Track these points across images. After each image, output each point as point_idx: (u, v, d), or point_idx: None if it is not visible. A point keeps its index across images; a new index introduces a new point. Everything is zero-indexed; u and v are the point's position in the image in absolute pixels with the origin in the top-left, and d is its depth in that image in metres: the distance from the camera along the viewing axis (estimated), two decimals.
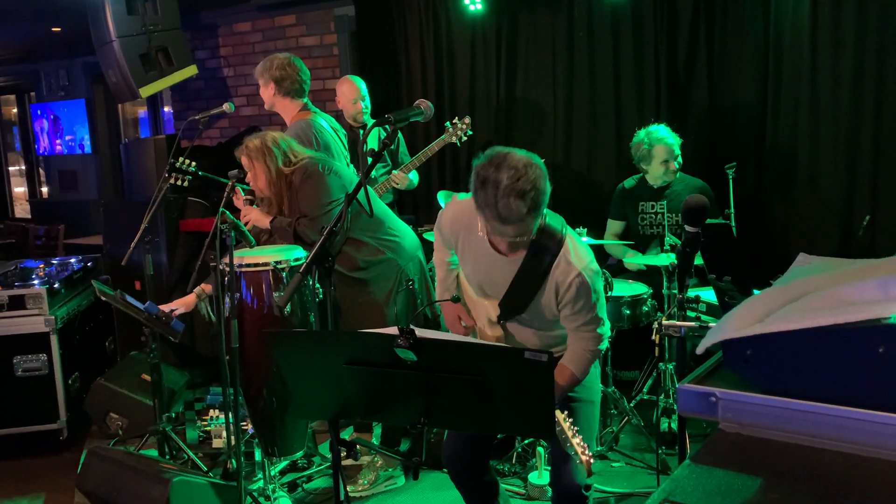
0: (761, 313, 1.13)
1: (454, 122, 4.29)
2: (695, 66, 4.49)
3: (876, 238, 3.92)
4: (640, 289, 3.78)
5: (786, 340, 1.06)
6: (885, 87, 3.93)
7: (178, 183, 4.04)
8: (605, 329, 2.37)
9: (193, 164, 4.01)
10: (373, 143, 4.32)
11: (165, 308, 3.39)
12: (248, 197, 3.43)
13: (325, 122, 3.90)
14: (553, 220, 2.34)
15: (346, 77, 4.53)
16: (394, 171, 4.37)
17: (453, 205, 2.53)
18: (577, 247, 2.32)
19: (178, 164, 3.97)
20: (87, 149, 8.34)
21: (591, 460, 2.12)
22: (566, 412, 2.19)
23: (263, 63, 3.92)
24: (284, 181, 3.31)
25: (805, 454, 1.01)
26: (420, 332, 1.73)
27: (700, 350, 1.17)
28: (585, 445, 2.14)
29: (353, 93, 4.40)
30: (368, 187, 3.49)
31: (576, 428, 2.16)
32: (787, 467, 1.00)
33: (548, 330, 2.43)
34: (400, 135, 4.60)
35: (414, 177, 4.48)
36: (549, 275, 2.27)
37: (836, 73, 4.05)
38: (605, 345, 2.38)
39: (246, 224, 3.36)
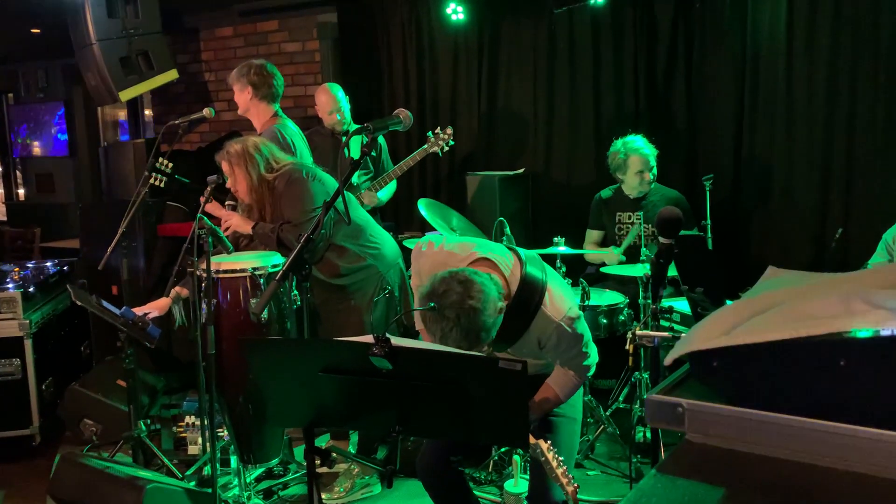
0: (728, 325, 1.15)
1: (436, 132, 4.31)
2: (673, 78, 4.55)
3: (848, 251, 3.99)
4: (616, 298, 3.81)
5: (751, 352, 1.08)
6: (858, 103, 4.01)
7: (157, 183, 4.03)
8: (592, 360, 2.38)
9: (171, 165, 4.00)
10: (354, 150, 4.33)
11: (139, 311, 3.37)
12: (230, 202, 3.41)
13: (294, 127, 3.95)
14: (533, 268, 2.27)
15: (323, 86, 4.54)
16: (362, 190, 4.38)
17: (431, 255, 2.43)
18: (555, 296, 2.27)
19: (157, 164, 3.97)
20: (65, 151, 8.26)
21: (576, 490, 2.12)
22: (549, 442, 2.18)
23: (239, 69, 3.97)
24: (266, 187, 3.31)
25: (769, 465, 1.03)
26: (395, 341, 1.74)
27: (668, 361, 1.19)
28: (570, 476, 2.13)
29: (330, 104, 4.43)
30: (349, 195, 3.51)
31: (560, 458, 2.16)
32: (750, 478, 1.01)
33: (534, 358, 2.43)
34: (384, 143, 4.62)
35: (383, 195, 4.48)
36: (530, 327, 2.25)
37: (811, 88, 4.13)
38: (592, 371, 2.40)
39: (227, 230, 3.35)
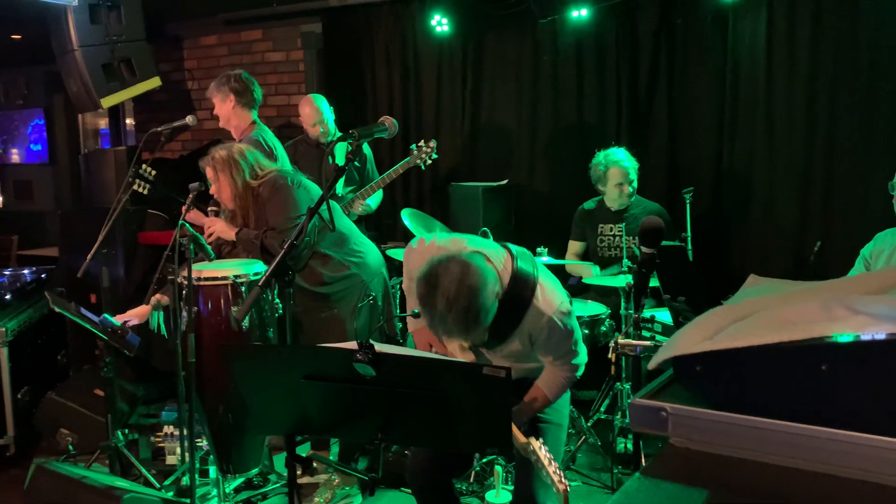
0: (710, 331, 1.16)
1: (419, 144, 4.32)
2: (655, 91, 4.60)
3: (827, 264, 4.03)
4: (598, 309, 3.83)
5: (733, 357, 1.09)
6: (837, 118, 4.07)
7: (140, 190, 4.00)
8: (581, 358, 2.40)
9: (154, 173, 3.98)
10: (339, 158, 4.34)
11: (119, 319, 3.33)
12: (213, 209, 3.40)
13: (272, 134, 3.99)
14: (524, 262, 2.30)
15: (307, 98, 4.55)
16: (349, 197, 4.38)
17: (423, 251, 2.45)
18: (547, 291, 2.30)
19: (141, 171, 3.95)
20: (45, 159, 8.17)
21: (568, 488, 2.11)
22: (541, 440, 2.18)
23: (217, 81, 4.04)
24: (251, 194, 3.30)
25: (751, 468, 1.04)
26: (379, 347, 1.74)
27: (651, 366, 1.19)
28: (561, 473, 2.12)
29: (314, 116, 4.45)
30: (334, 203, 3.51)
31: (551, 456, 2.15)
32: (733, 481, 1.02)
33: (522, 361, 2.44)
34: (369, 152, 4.63)
35: (373, 202, 4.49)
36: (522, 321, 2.27)
37: (791, 103, 4.19)
38: (581, 371, 2.41)
39: (210, 236, 3.34)
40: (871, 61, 3.95)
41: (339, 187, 4.39)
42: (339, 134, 4.45)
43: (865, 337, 1.01)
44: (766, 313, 1.17)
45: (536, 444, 2.13)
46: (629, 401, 1.13)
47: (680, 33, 4.48)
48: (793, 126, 4.19)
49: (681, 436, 1.10)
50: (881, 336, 1.00)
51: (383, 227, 5.45)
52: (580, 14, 4.53)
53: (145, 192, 4.02)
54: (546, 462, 2.10)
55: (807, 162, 4.17)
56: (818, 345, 1.04)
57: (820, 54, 4.09)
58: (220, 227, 3.36)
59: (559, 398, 2.43)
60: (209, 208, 3.42)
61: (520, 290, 2.23)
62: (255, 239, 3.24)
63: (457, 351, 2.48)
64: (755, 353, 1.08)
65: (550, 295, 2.29)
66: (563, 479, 2.10)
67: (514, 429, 2.09)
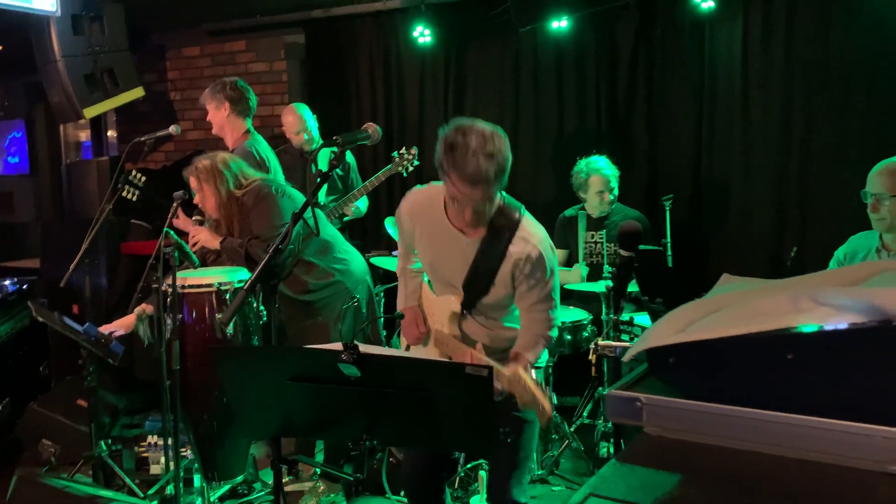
0: (683, 324, 1.20)
1: (401, 152, 4.37)
2: (634, 101, 4.68)
3: (804, 269, 4.10)
4: (580, 315, 3.88)
5: (705, 348, 1.13)
6: (812, 125, 4.17)
7: (129, 196, 4.01)
8: (558, 314, 2.42)
9: (143, 178, 3.99)
10: (322, 164, 4.38)
11: (105, 330, 3.33)
12: (197, 217, 3.41)
13: (265, 143, 4.00)
14: (511, 201, 2.43)
15: (290, 107, 4.59)
16: (346, 199, 4.42)
17: (412, 194, 2.56)
18: (533, 224, 2.40)
19: (130, 177, 3.95)
20: (26, 170, 8.13)
21: (552, 412, 2.11)
22: (533, 374, 2.17)
23: (212, 87, 3.98)
24: (235, 203, 3.32)
25: (722, 454, 1.08)
26: (364, 348, 1.77)
27: (626, 358, 1.24)
28: (550, 397, 2.10)
29: (297, 124, 4.49)
30: (318, 211, 3.53)
31: (537, 378, 2.13)
32: (705, 465, 1.06)
33: (500, 329, 2.47)
34: (353, 161, 4.67)
35: (362, 204, 4.53)
36: (507, 251, 2.33)
37: (766, 113, 4.28)
38: (555, 332, 2.42)
39: (195, 245, 3.35)
40: (843, 72, 4.05)
41: (322, 196, 4.42)
42: (322, 142, 4.48)
43: (829, 327, 1.06)
44: (736, 306, 1.21)
45: (524, 373, 2.11)
46: (606, 391, 1.17)
47: (658, 43, 4.57)
48: (768, 134, 4.27)
49: (655, 424, 1.14)
50: (843, 326, 1.05)
51: (368, 236, 5.48)
52: (560, 25, 4.60)
53: (134, 198, 4.02)
54: (532, 384, 2.08)
55: (782, 169, 4.26)
56: (784, 335, 1.08)
57: (794, 65, 4.18)
58: (204, 237, 3.37)
59: (538, 359, 2.42)
60: (193, 217, 3.43)
61: (505, 219, 2.35)
62: (239, 248, 3.26)
63: (444, 325, 2.47)
64: (725, 344, 1.12)
65: (536, 229, 2.39)
66: (550, 399, 2.09)
67: (496, 366, 2.10)
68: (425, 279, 2.65)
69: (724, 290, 1.46)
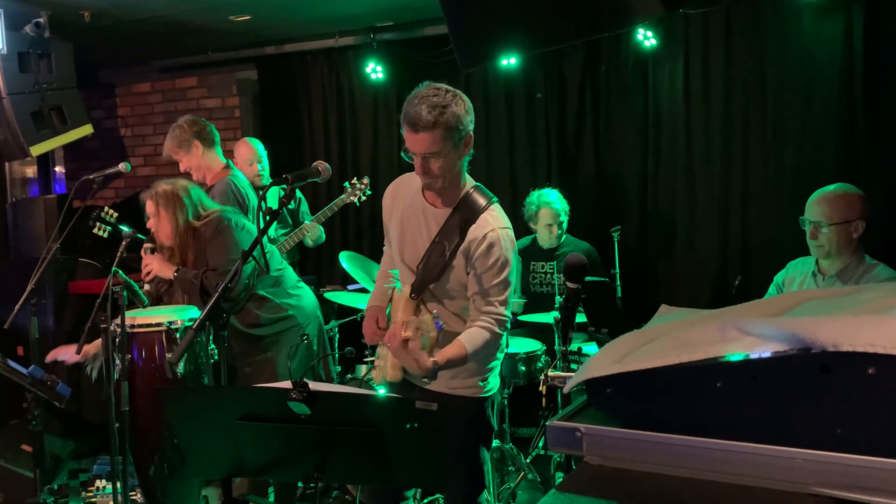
0: (620, 354, 1.25)
1: (353, 182, 4.41)
2: (582, 135, 4.81)
3: (748, 297, 4.21)
4: (534, 345, 3.92)
5: (640, 378, 1.18)
6: (751, 159, 4.33)
7: (100, 233, 3.94)
8: (507, 313, 2.38)
9: (116, 214, 3.93)
10: (272, 201, 4.37)
11: (51, 357, 3.25)
12: (150, 245, 3.34)
13: (244, 177, 3.97)
14: (486, 190, 2.46)
15: (243, 139, 4.61)
16: (307, 221, 4.42)
17: (405, 176, 2.60)
18: (501, 214, 2.42)
19: (102, 214, 3.88)
20: None
21: (432, 366, 2.19)
22: (436, 311, 2.21)
23: (174, 134, 3.91)
24: (191, 234, 3.26)
25: (657, 481, 1.12)
26: (314, 385, 1.77)
27: (567, 389, 1.27)
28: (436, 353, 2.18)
29: (250, 154, 4.48)
30: (271, 246, 3.53)
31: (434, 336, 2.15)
32: (640, 491, 1.10)
33: (453, 321, 2.42)
34: (301, 196, 4.67)
35: (322, 231, 4.54)
36: (468, 231, 2.34)
37: (708, 145, 4.44)
38: (502, 331, 2.38)
39: (148, 274, 3.29)
40: (778, 107, 4.23)
41: (272, 230, 4.42)
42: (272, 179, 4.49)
43: (754, 356, 1.11)
44: (669, 336, 1.26)
45: (429, 315, 2.16)
46: (547, 423, 1.20)
47: (604, 79, 4.71)
48: (710, 166, 4.43)
49: (594, 454, 1.17)
50: (767, 354, 1.10)
51: (322, 270, 5.47)
52: (509, 62, 4.72)
53: (106, 234, 3.95)
54: (428, 330, 2.11)
55: (724, 201, 4.41)
56: (713, 364, 1.13)
57: (733, 100, 4.36)
58: (157, 266, 3.29)
59: (477, 356, 2.36)
60: (145, 245, 3.36)
61: (474, 198, 2.39)
62: (194, 279, 3.20)
63: (399, 307, 2.44)
64: (659, 374, 1.16)
65: (502, 218, 2.41)
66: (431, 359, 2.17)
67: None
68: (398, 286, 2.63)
69: (661, 320, 1.52)
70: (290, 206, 4.51)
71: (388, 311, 2.58)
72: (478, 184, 2.47)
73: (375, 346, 2.67)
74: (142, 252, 3.37)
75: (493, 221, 2.36)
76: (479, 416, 2.51)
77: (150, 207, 3.28)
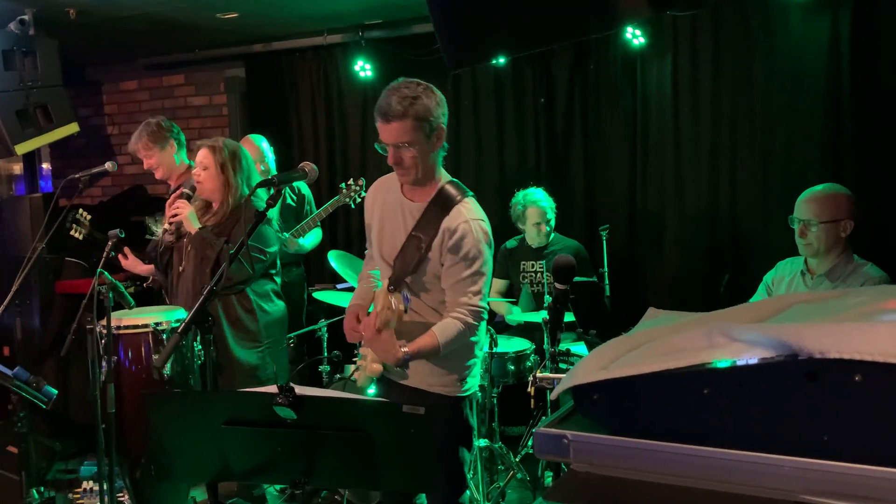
0: (607, 360, 1.24)
1: (349, 183, 4.38)
2: (571, 134, 4.80)
3: (735, 296, 4.23)
4: (523, 345, 3.92)
5: (626, 385, 1.17)
6: (738, 158, 4.33)
7: (77, 235, 3.91)
8: (483, 304, 2.41)
9: (90, 217, 3.91)
10: (259, 203, 4.34)
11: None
12: (186, 191, 3.28)
13: None
14: (462, 186, 2.51)
15: (247, 137, 4.55)
16: (286, 235, 4.37)
17: (378, 180, 2.67)
18: (476, 207, 2.46)
19: (77, 215, 3.86)
20: None
21: (403, 356, 2.28)
22: (405, 292, 2.29)
23: (151, 134, 3.91)
24: (236, 200, 3.20)
25: (646, 489, 1.11)
26: (300, 390, 1.76)
27: (553, 396, 1.26)
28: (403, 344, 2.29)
29: (253, 154, 4.45)
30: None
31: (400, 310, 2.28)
32: (628, 499, 1.09)
33: (429, 315, 2.46)
34: (309, 194, 4.65)
35: (307, 242, 4.48)
36: (442, 221, 2.38)
37: (696, 142, 4.44)
38: (478, 323, 2.41)
39: (174, 216, 3.24)
40: (764, 105, 4.24)
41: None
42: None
43: (741, 362, 1.11)
44: (656, 342, 1.26)
45: (397, 299, 2.26)
46: (534, 430, 1.19)
47: (592, 78, 4.71)
48: (698, 165, 4.43)
49: (581, 461, 1.17)
50: (754, 361, 1.10)
51: (312, 269, 5.44)
52: (497, 61, 4.71)
53: (81, 237, 3.93)
54: (400, 308, 2.21)
55: (712, 200, 4.41)
56: (700, 370, 1.12)
57: (721, 98, 4.36)
58: (186, 212, 3.22)
59: (449, 347, 2.39)
60: (181, 190, 3.30)
61: (450, 192, 2.44)
62: (213, 243, 3.12)
63: (378, 302, 2.45)
64: (646, 380, 1.15)
65: (478, 210, 2.45)
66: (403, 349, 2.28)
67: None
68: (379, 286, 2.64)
69: (648, 325, 1.51)
70: (293, 204, 4.51)
71: (370, 310, 2.59)
72: (454, 179, 2.51)
73: (360, 345, 2.66)
74: (180, 193, 3.28)
75: (466, 213, 2.41)
76: (458, 415, 2.52)
77: (204, 157, 3.20)
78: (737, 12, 4.24)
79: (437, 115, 2.36)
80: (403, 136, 2.32)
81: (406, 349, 2.32)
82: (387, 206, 2.55)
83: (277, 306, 3.42)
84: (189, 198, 3.30)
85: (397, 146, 2.33)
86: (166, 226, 3.37)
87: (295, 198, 4.56)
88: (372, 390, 2.70)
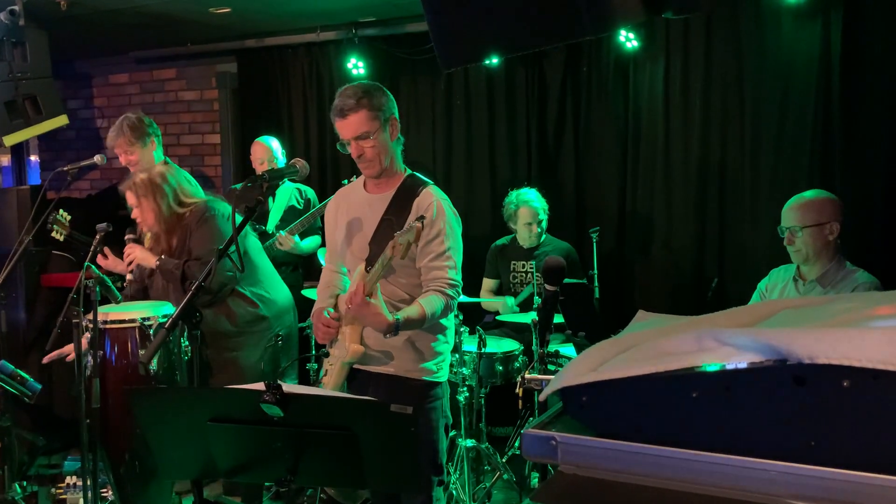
0: (596, 362, 1.24)
1: (351, 180, 4.35)
2: (563, 135, 4.80)
3: (724, 300, 4.26)
4: (511, 345, 3.92)
5: (615, 387, 1.17)
6: (728, 162, 4.35)
7: (57, 237, 3.88)
8: (458, 277, 2.50)
9: (69, 218, 3.88)
10: (280, 200, 4.39)
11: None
12: (131, 235, 3.31)
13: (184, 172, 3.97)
14: (423, 176, 2.62)
15: (257, 140, 4.66)
16: (281, 233, 4.34)
17: (337, 192, 2.83)
18: (440, 192, 2.57)
19: (58, 216, 3.82)
20: None
21: (394, 322, 2.31)
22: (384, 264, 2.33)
23: (136, 123, 3.89)
24: (177, 221, 3.24)
25: (631, 491, 1.11)
26: (287, 388, 1.75)
27: (542, 398, 1.26)
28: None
29: (262, 153, 4.59)
30: (255, 241, 3.49)
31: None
32: (615, 501, 1.09)
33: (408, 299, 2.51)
34: (314, 196, 4.64)
35: (306, 245, 4.46)
36: (412, 204, 2.48)
37: (686, 146, 4.45)
38: (456, 294, 2.49)
39: (130, 263, 3.25)
40: (754, 111, 4.25)
41: (271, 225, 4.41)
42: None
43: (730, 366, 1.11)
44: (645, 345, 1.26)
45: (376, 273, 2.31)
46: (523, 430, 1.19)
47: (584, 80, 4.71)
48: (688, 169, 4.44)
49: (569, 463, 1.16)
50: (743, 365, 1.10)
51: (302, 267, 5.42)
52: (490, 62, 4.70)
53: (62, 238, 3.90)
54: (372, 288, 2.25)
55: (701, 204, 4.42)
56: (689, 374, 1.12)
57: (712, 103, 4.37)
58: (139, 254, 3.26)
59: (436, 319, 2.47)
60: (126, 235, 3.32)
61: (419, 180, 2.58)
62: (175, 269, 3.16)
63: (355, 282, 2.49)
64: (635, 383, 1.15)
65: (442, 194, 2.57)
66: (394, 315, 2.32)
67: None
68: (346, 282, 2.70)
69: (638, 327, 1.51)
70: (299, 206, 4.50)
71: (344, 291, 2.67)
72: (414, 171, 2.62)
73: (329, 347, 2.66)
74: (125, 239, 3.33)
75: (435, 194, 2.53)
76: (432, 399, 2.57)
77: (130, 199, 3.26)
78: (729, 17, 4.26)
79: (389, 106, 2.52)
80: (362, 127, 2.45)
81: (397, 315, 2.36)
82: (352, 206, 2.65)
83: (272, 306, 3.42)
84: (135, 240, 3.33)
85: (358, 138, 2.47)
86: (129, 276, 3.39)
87: (301, 201, 4.56)
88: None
